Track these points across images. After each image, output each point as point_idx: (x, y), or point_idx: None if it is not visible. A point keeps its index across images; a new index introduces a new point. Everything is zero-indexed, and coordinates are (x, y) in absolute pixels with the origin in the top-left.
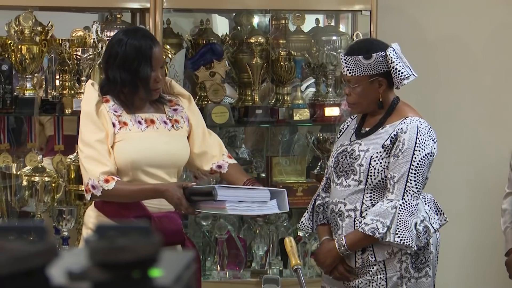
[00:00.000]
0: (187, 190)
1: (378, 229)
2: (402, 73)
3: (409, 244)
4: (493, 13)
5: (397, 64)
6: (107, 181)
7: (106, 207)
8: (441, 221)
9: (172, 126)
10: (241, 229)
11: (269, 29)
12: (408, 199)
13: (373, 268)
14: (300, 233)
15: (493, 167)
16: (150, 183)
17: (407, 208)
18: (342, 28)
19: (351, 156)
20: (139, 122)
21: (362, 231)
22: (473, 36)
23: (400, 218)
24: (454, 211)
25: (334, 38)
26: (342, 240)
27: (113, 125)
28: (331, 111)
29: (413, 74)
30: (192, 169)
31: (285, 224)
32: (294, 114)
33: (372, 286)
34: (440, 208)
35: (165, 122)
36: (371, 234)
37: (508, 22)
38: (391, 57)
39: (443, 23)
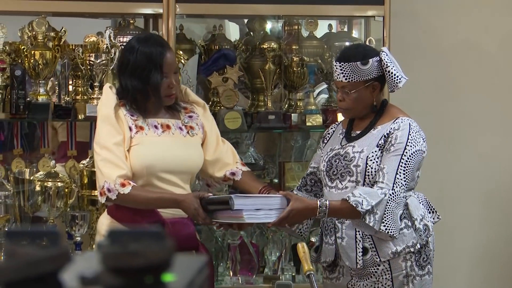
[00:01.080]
0: (203, 200)
1: (362, 204)
2: (397, 76)
3: (393, 234)
4: (506, 18)
5: (392, 68)
6: (123, 185)
7: (119, 213)
8: (433, 219)
9: (188, 132)
10: (254, 235)
11: (282, 34)
12: (397, 190)
13: (377, 269)
14: (313, 239)
15: (508, 173)
16: (167, 192)
17: (395, 198)
18: (355, 34)
19: (346, 159)
20: (155, 127)
21: (348, 199)
22: (487, 41)
23: (388, 208)
24: (468, 216)
25: (347, 43)
26: (326, 205)
27: (130, 129)
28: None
29: (404, 77)
30: (205, 176)
31: None
32: (306, 120)
33: (378, 287)
34: (432, 206)
35: (180, 128)
36: (354, 205)
37: None
38: (386, 62)
39: (456, 29)
